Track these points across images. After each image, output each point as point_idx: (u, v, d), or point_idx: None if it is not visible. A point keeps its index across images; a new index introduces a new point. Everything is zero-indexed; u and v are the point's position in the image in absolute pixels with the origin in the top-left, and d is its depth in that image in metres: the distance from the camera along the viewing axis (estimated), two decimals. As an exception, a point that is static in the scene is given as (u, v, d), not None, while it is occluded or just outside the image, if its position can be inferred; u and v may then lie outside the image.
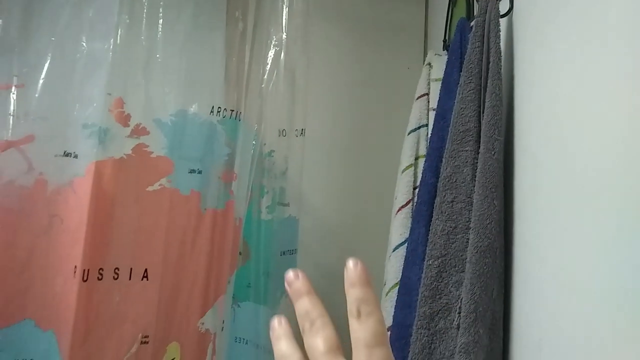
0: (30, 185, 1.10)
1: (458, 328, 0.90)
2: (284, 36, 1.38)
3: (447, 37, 1.47)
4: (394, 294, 1.30)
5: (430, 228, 1.01)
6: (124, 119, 1.13)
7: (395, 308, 1.20)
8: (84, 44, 1.13)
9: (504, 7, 0.98)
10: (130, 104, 1.14)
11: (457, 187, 0.98)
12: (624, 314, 0.57)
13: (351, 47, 1.91)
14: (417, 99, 1.45)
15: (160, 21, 1.23)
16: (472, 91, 0.99)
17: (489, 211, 0.89)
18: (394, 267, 1.37)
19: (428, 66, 1.46)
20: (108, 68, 1.12)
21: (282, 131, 1.42)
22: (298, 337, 1.27)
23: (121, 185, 1.11)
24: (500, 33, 0.95)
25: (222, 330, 1.24)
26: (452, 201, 0.98)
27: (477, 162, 0.95)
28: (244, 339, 1.40)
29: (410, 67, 1.83)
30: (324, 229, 1.82)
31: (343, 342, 0.39)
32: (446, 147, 1.02)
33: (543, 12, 0.88)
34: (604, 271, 0.62)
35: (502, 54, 0.96)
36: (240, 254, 1.36)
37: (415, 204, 1.32)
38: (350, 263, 0.39)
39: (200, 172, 1.21)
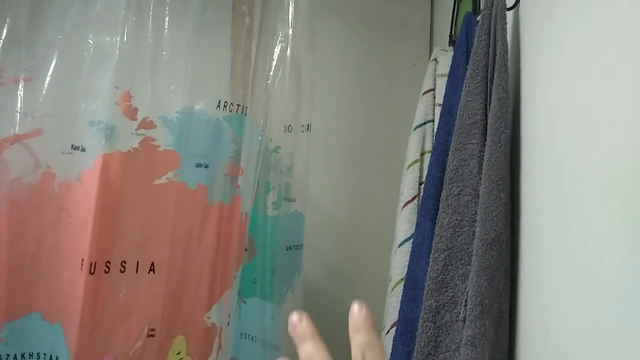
0: (38, 180, 1.10)
1: (464, 321, 0.90)
2: (290, 32, 1.38)
3: (453, 33, 1.47)
4: (399, 289, 1.30)
5: (437, 221, 1.01)
6: (131, 113, 1.13)
7: (401, 302, 1.20)
8: (91, 39, 1.13)
9: (510, 1, 0.98)
10: (137, 97, 1.14)
11: (464, 180, 0.98)
12: (631, 305, 0.57)
13: (357, 43, 1.91)
14: (423, 94, 1.45)
15: (167, 18, 1.24)
16: (478, 84, 0.99)
17: (495, 204, 0.89)
18: (399, 263, 1.37)
19: (434, 62, 1.46)
20: (115, 62, 1.12)
21: (288, 127, 1.42)
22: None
23: (128, 178, 1.12)
24: (507, 26, 0.95)
25: (228, 324, 1.25)
26: (458, 194, 0.98)
27: (483, 155, 0.94)
28: (250, 335, 1.40)
29: (416, 64, 1.84)
30: (329, 225, 1.82)
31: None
32: (452, 140, 1.02)
33: (549, 4, 0.88)
34: (611, 263, 0.62)
35: (509, 47, 0.95)
36: (246, 250, 1.36)
37: (421, 198, 1.32)
38: (355, 308, 0.39)
39: (206, 167, 1.21)
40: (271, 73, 1.39)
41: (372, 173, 1.87)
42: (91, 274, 1.06)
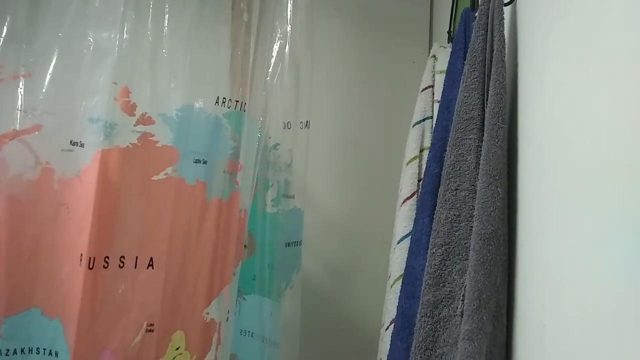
0: (37, 176, 1.11)
1: (462, 315, 0.90)
2: (289, 29, 1.39)
3: (451, 29, 1.47)
4: (398, 286, 1.30)
5: (434, 216, 1.01)
6: (130, 109, 1.14)
7: (399, 298, 1.20)
8: (90, 36, 1.14)
9: (508, -4, 0.98)
10: (136, 93, 1.15)
11: (461, 175, 0.98)
12: (627, 299, 0.57)
13: (356, 40, 1.91)
14: (422, 91, 1.45)
15: (166, 16, 1.24)
16: (476, 79, 0.99)
17: (492, 199, 0.89)
18: (398, 260, 1.37)
19: (433, 58, 1.46)
20: (114, 58, 1.13)
21: (287, 124, 1.42)
22: (302, 339, 1.26)
23: (127, 174, 1.12)
24: (504, 21, 0.95)
25: (227, 320, 1.25)
26: (455, 189, 0.98)
27: (480, 150, 0.94)
28: (249, 331, 1.41)
29: (416, 61, 1.84)
30: (328, 221, 1.82)
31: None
32: (450, 135, 1.02)
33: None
34: (607, 257, 0.62)
35: (506, 42, 0.96)
36: (245, 247, 1.37)
37: (419, 194, 1.32)
38: None
39: (205, 162, 1.22)
40: (270, 70, 1.40)
41: (371, 170, 1.87)
42: (90, 269, 1.07)
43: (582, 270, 0.69)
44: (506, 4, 0.98)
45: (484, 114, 0.97)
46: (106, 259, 1.09)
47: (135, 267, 1.12)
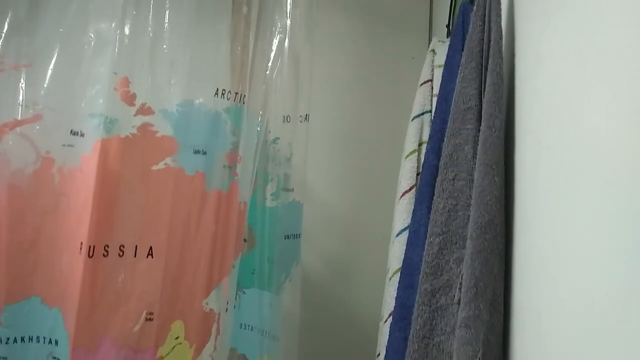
0: (37, 166, 1.12)
1: (459, 304, 0.91)
2: (289, 23, 1.39)
3: (450, 24, 1.47)
4: (397, 278, 1.31)
5: (432, 206, 1.01)
6: (130, 99, 1.14)
7: (397, 289, 1.21)
8: (91, 27, 1.15)
9: (505, -13, 0.99)
10: (135, 84, 1.15)
11: (459, 164, 0.98)
12: (621, 287, 0.57)
13: (356, 35, 1.92)
14: (421, 85, 1.46)
15: (167, 11, 1.25)
16: (473, 70, 0.99)
17: (489, 188, 0.89)
18: (397, 252, 1.37)
19: (432, 53, 1.47)
20: (114, 48, 1.14)
21: (287, 117, 1.43)
22: (301, 333, 1.26)
23: (126, 163, 1.13)
24: (502, 12, 0.96)
25: (226, 311, 1.26)
26: (453, 179, 0.98)
27: (478, 140, 0.95)
28: (249, 325, 1.41)
29: (415, 57, 1.84)
30: (328, 215, 1.83)
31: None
32: (447, 126, 1.03)
33: (544, -10, 0.88)
34: (601, 246, 0.63)
35: (503, 32, 0.96)
36: (245, 240, 1.37)
37: (418, 186, 1.33)
38: None
39: (204, 153, 1.22)
40: (269, 64, 1.40)
41: (371, 164, 1.88)
42: (90, 257, 1.07)
43: (577, 259, 0.69)
44: (503, -4, 0.98)
45: (481, 105, 0.97)
46: (106, 248, 1.10)
47: (135, 256, 1.13)
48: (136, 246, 1.13)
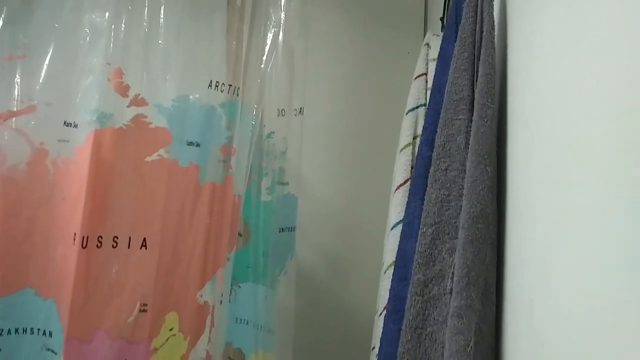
0: (31, 157, 1.12)
1: (451, 293, 0.91)
2: (283, 16, 1.40)
3: (444, 17, 1.48)
4: (391, 271, 1.31)
5: (425, 197, 1.02)
6: (123, 89, 1.14)
7: (391, 281, 1.21)
8: (85, 17, 1.15)
9: (497, -23, 0.99)
10: (129, 75, 1.16)
11: (451, 155, 0.98)
12: (611, 272, 0.58)
13: (351, 29, 1.92)
14: (416, 79, 1.46)
15: (162, 7, 1.25)
16: (465, 60, 1.00)
17: (481, 177, 0.89)
18: (392, 246, 1.37)
19: (426, 46, 1.47)
20: (108, 39, 1.14)
21: (281, 111, 1.43)
22: (300, 330, 1.26)
23: (120, 154, 1.13)
24: (494, 2, 0.96)
25: (220, 303, 1.26)
26: (445, 169, 0.98)
27: (470, 130, 0.95)
28: (244, 319, 1.41)
29: (410, 52, 1.84)
30: (322, 209, 1.83)
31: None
32: (440, 117, 1.03)
33: (536, -20, 0.88)
34: (592, 233, 0.63)
35: (496, 23, 0.96)
36: (240, 235, 1.38)
37: (411, 179, 1.33)
38: None
39: (198, 146, 1.23)
40: (264, 58, 1.40)
41: (365, 157, 1.88)
42: (83, 248, 1.07)
43: (568, 249, 0.69)
44: (496, -14, 0.98)
45: (473, 95, 0.97)
46: (99, 239, 1.10)
47: (129, 248, 1.13)
48: (130, 237, 1.13)
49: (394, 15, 1.93)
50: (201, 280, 1.21)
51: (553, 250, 0.74)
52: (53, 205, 1.12)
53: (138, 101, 1.16)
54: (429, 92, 1.41)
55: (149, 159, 1.16)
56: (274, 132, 1.44)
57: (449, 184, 0.98)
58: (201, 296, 1.21)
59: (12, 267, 1.09)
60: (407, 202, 1.24)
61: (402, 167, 1.41)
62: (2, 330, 1.08)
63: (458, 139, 0.98)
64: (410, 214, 1.18)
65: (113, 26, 1.16)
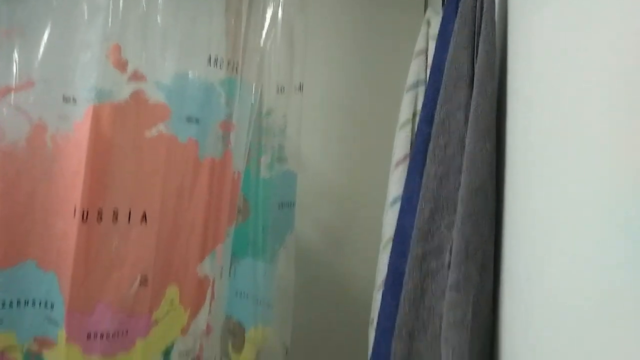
0: (30, 133, 1.12)
1: (449, 267, 0.92)
2: (282, -7, 1.39)
3: (445, -6, 1.47)
4: (391, 246, 1.32)
5: (424, 173, 1.02)
6: (122, 65, 1.14)
7: (390, 257, 1.22)
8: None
9: (498, -47, 0.98)
10: (128, 51, 1.15)
11: (450, 131, 0.99)
12: (610, 246, 0.58)
13: (350, 5, 1.91)
14: (416, 56, 1.46)
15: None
16: (465, 37, 0.99)
17: (481, 152, 0.90)
18: (391, 221, 1.38)
19: (427, 23, 1.47)
20: (107, 14, 1.14)
21: (281, 88, 1.43)
22: (299, 304, 1.26)
23: (119, 129, 1.13)
24: (495, -21, 0.96)
25: (220, 277, 1.27)
26: (445, 145, 0.99)
27: (470, 107, 0.95)
28: (244, 292, 1.43)
29: (411, 28, 1.84)
30: (322, 186, 1.84)
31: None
32: (440, 93, 1.03)
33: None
34: (591, 207, 0.63)
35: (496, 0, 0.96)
36: (239, 211, 1.38)
37: (411, 155, 1.33)
38: None
39: (197, 122, 1.23)
40: (263, 34, 1.39)
41: (365, 134, 1.88)
42: (84, 222, 1.08)
43: (566, 222, 0.70)
44: (497, -38, 0.98)
45: (473, 71, 0.98)
46: (100, 212, 1.11)
47: (129, 222, 1.14)
48: (130, 211, 1.14)
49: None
50: (201, 254, 1.22)
51: (552, 226, 0.75)
52: (52, 180, 1.12)
53: (137, 77, 1.15)
54: (429, 70, 1.41)
55: (148, 134, 1.16)
56: (273, 110, 1.44)
57: (448, 160, 0.98)
58: (201, 269, 1.22)
59: (13, 241, 1.10)
60: (406, 178, 1.25)
61: (401, 144, 1.41)
62: (4, 302, 1.09)
63: (457, 115, 0.98)
64: (409, 190, 1.19)
65: (111, 2, 1.16)
